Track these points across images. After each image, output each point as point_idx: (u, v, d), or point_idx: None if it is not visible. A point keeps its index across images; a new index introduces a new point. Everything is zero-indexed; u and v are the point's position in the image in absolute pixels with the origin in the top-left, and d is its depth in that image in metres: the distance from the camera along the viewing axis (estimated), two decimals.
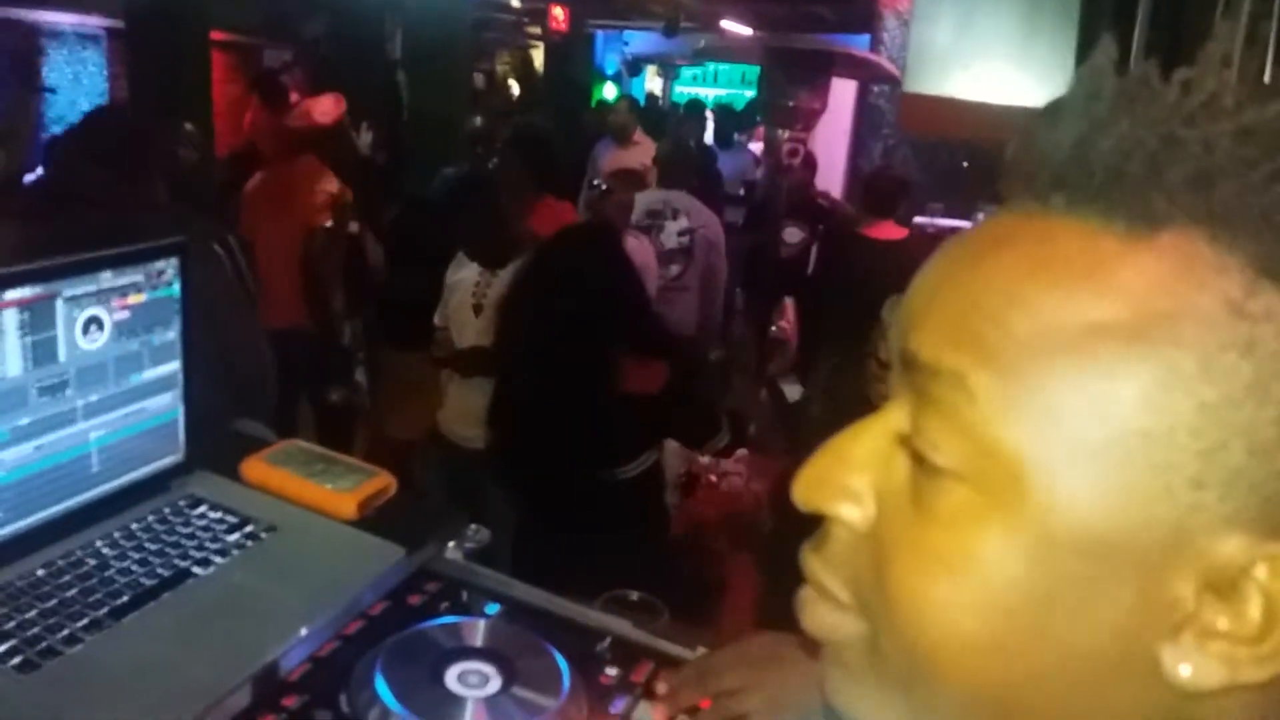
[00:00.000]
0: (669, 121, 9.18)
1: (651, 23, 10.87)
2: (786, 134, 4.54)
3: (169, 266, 1.19)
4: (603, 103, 10.33)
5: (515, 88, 12.82)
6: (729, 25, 10.16)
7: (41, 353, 1.06)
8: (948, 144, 5.61)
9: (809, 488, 0.45)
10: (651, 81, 14.18)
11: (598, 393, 2.33)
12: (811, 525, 0.46)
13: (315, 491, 1.27)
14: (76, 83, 9.10)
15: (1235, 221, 0.37)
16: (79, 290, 1.08)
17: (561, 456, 2.35)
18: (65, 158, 2.81)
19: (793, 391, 4.55)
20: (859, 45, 9.19)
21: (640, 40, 13.08)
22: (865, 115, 6.65)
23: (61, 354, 1.08)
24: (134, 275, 1.15)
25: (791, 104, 4.40)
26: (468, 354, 3.07)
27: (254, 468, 1.30)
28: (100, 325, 1.12)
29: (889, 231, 4.04)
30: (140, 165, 2.33)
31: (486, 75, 11.48)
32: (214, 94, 6.33)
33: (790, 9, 9.44)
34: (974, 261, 0.42)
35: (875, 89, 6.63)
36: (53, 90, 8.72)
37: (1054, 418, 0.38)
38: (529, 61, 13.17)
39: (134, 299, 1.15)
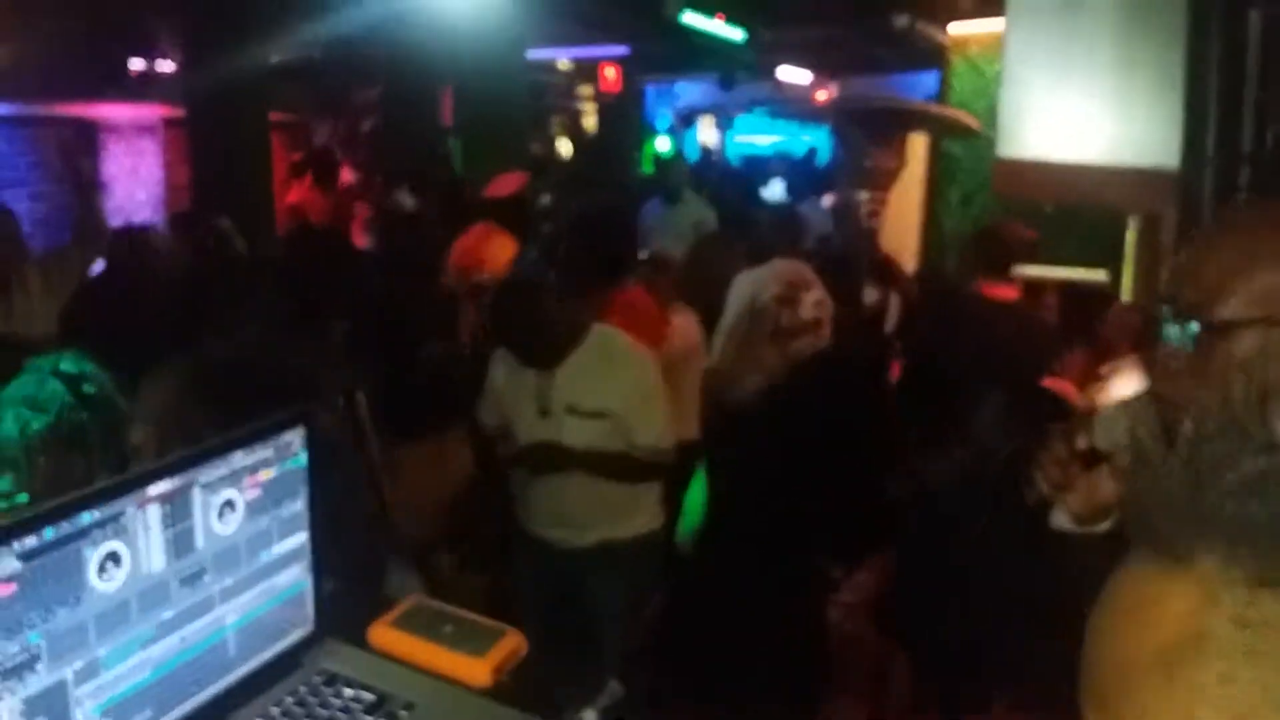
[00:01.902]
0: (728, 179, 9.21)
1: (704, 74, 10.88)
2: (865, 194, 4.47)
3: (296, 437, 1.16)
4: (657, 159, 10.33)
5: (566, 147, 12.89)
6: (787, 73, 10.13)
7: (181, 544, 1.02)
8: None
9: None
10: (705, 133, 14.14)
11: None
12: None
13: (447, 658, 1.22)
14: (134, 174, 9.32)
15: None
16: (214, 475, 1.05)
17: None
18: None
19: None
20: (926, 84, 9.13)
21: (692, 91, 13.08)
22: (939, 162, 6.53)
23: (199, 541, 1.05)
24: (264, 451, 1.12)
25: (868, 164, 4.32)
26: (543, 450, 2.98)
27: (382, 634, 1.26)
28: (233, 507, 1.08)
29: (1003, 290, 3.91)
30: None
31: (542, 142, 11.57)
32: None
33: (851, 53, 9.38)
34: None
35: None
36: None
37: None
38: (579, 122, 13.26)
39: (264, 475, 1.12)
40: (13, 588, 0.86)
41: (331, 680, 1.17)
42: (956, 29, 6.24)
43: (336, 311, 3.38)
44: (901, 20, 5.70)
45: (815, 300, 4.24)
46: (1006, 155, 3.24)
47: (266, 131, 5.95)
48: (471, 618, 1.30)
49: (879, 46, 8.68)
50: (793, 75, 10.62)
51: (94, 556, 0.93)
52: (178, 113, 8.79)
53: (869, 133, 4.27)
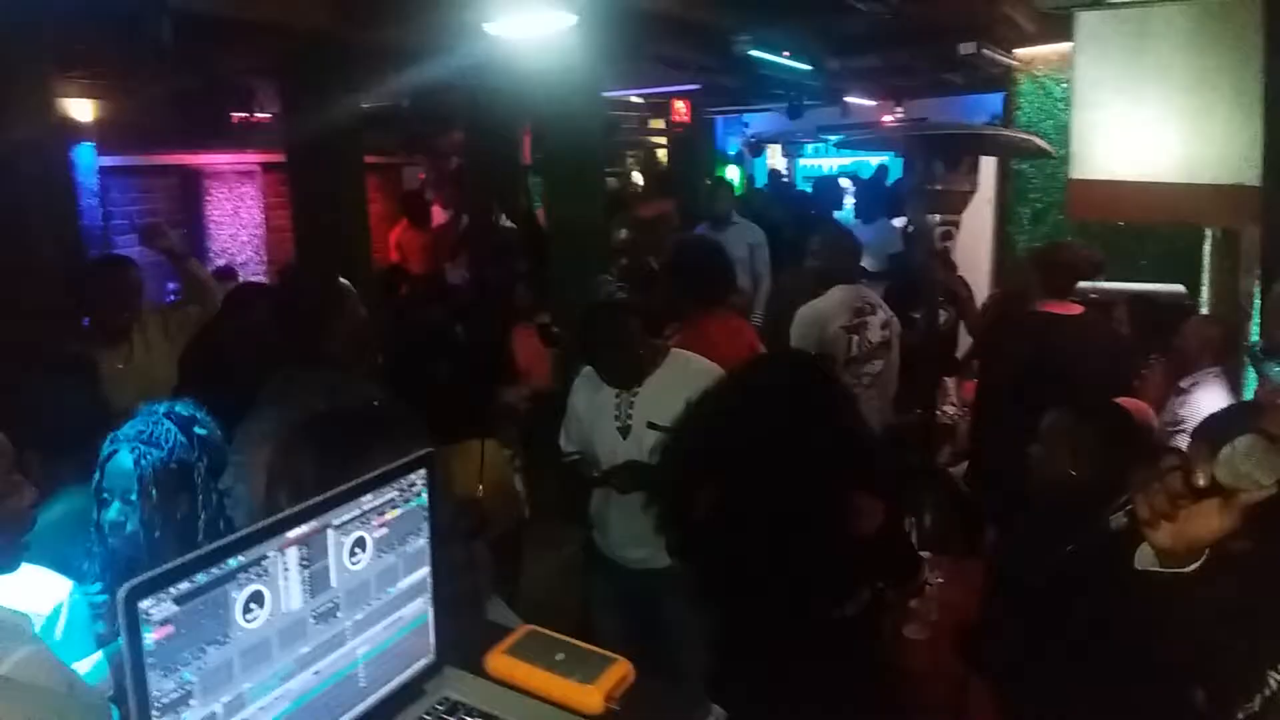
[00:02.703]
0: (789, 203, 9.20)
1: (772, 104, 10.94)
2: (937, 217, 4.47)
3: (419, 478, 1.23)
4: (706, 183, 10.39)
5: (639, 179, 13.05)
6: (853, 99, 10.15)
7: (317, 583, 1.10)
8: None
9: None
10: (775, 159, 14.23)
11: (826, 537, 2.22)
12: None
13: (560, 685, 1.27)
14: (235, 216, 9.75)
15: None
16: (346, 517, 1.13)
17: (782, 594, 2.26)
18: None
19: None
20: (991, 105, 9.06)
21: (761, 120, 13.18)
22: (1009, 181, 6.48)
23: (333, 580, 1.12)
24: (390, 493, 1.19)
25: (939, 188, 4.32)
26: (628, 467, 3.06)
27: (498, 662, 1.32)
28: (363, 546, 1.16)
29: (1066, 306, 3.91)
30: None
31: (618, 176, 11.75)
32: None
33: (916, 78, 9.37)
34: None
35: None
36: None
37: None
38: (653, 154, 13.43)
39: (390, 514, 1.20)
40: (170, 630, 0.94)
41: (454, 708, 1.24)
42: (1023, 52, 6.23)
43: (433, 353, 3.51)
44: (968, 47, 5.69)
45: (882, 323, 4.27)
46: (1080, 176, 3.23)
47: (361, 175, 6.20)
48: (582, 646, 1.35)
49: (944, 71, 8.66)
50: (859, 101, 10.64)
51: (240, 598, 1.01)
52: (275, 158, 9.20)
53: (939, 158, 4.27)
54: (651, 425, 3.01)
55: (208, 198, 9.51)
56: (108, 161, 8.35)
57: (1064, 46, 5.94)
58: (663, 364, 3.12)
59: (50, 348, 3.50)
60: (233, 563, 0.99)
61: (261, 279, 8.46)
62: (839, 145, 11.46)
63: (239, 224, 9.78)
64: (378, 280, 6.34)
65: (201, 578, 0.96)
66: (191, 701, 0.97)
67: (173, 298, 7.39)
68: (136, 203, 9.02)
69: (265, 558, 1.03)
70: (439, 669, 1.30)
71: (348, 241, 5.69)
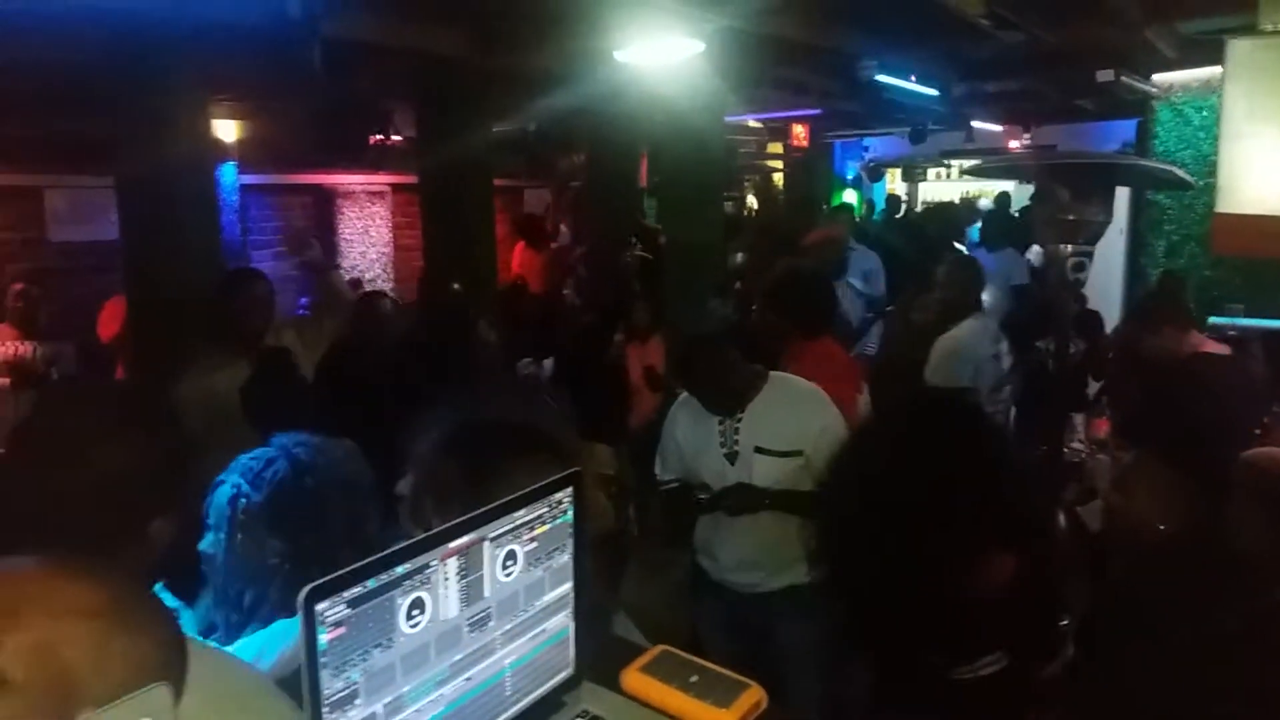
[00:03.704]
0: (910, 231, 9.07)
1: (893, 128, 10.84)
2: (1069, 248, 4.34)
3: (565, 496, 1.27)
4: (840, 207, 10.34)
5: (753, 202, 13.07)
6: (979, 124, 9.97)
7: (472, 592, 1.15)
8: None
9: None
10: (894, 184, 14.08)
11: (943, 589, 2.10)
12: None
13: (694, 707, 1.29)
14: (366, 235, 10.14)
15: None
16: (500, 530, 1.17)
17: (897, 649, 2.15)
18: None
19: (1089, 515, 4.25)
20: (1124, 132, 8.80)
21: (881, 144, 13.05)
22: (1144, 211, 6.29)
23: (487, 590, 1.17)
24: (540, 508, 1.23)
25: (1072, 218, 4.20)
26: (738, 491, 3.08)
27: (634, 680, 1.34)
28: (514, 559, 1.20)
29: (1201, 342, 3.77)
30: None
31: (735, 201, 11.80)
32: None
33: (1046, 103, 9.16)
34: None
35: None
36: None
37: None
38: (769, 179, 13.44)
39: (539, 530, 1.24)
40: (342, 631, 0.99)
41: None
42: (1161, 78, 6.04)
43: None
44: (1106, 74, 5.55)
45: (1006, 351, 4.18)
46: (1227, 210, 3.11)
47: (490, 197, 6.40)
48: (716, 669, 1.37)
49: (1076, 96, 8.45)
50: (984, 126, 10.45)
51: (404, 604, 1.06)
52: (404, 179, 9.57)
53: (1073, 186, 4.15)
54: (760, 450, 3.04)
55: (340, 216, 9.93)
56: (248, 179, 8.79)
57: (1205, 72, 5.75)
58: (763, 388, 3.14)
59: (199, 354, 3.69)
60: (400, 570, 1.04)
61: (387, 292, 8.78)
62: (967, 172, 11.25)
63: (368, 242, 10.17)
64: (499, 298, 6.51)
65: (372, 583, 1.01)
66: (357, 701, 1.02)
67: (303, 311, 7.72)
68: (273, 219, 9.48)
69: (428, 566, 1.08)
70: (578, 682, 1.34)
71: (474, 261, 5.87)
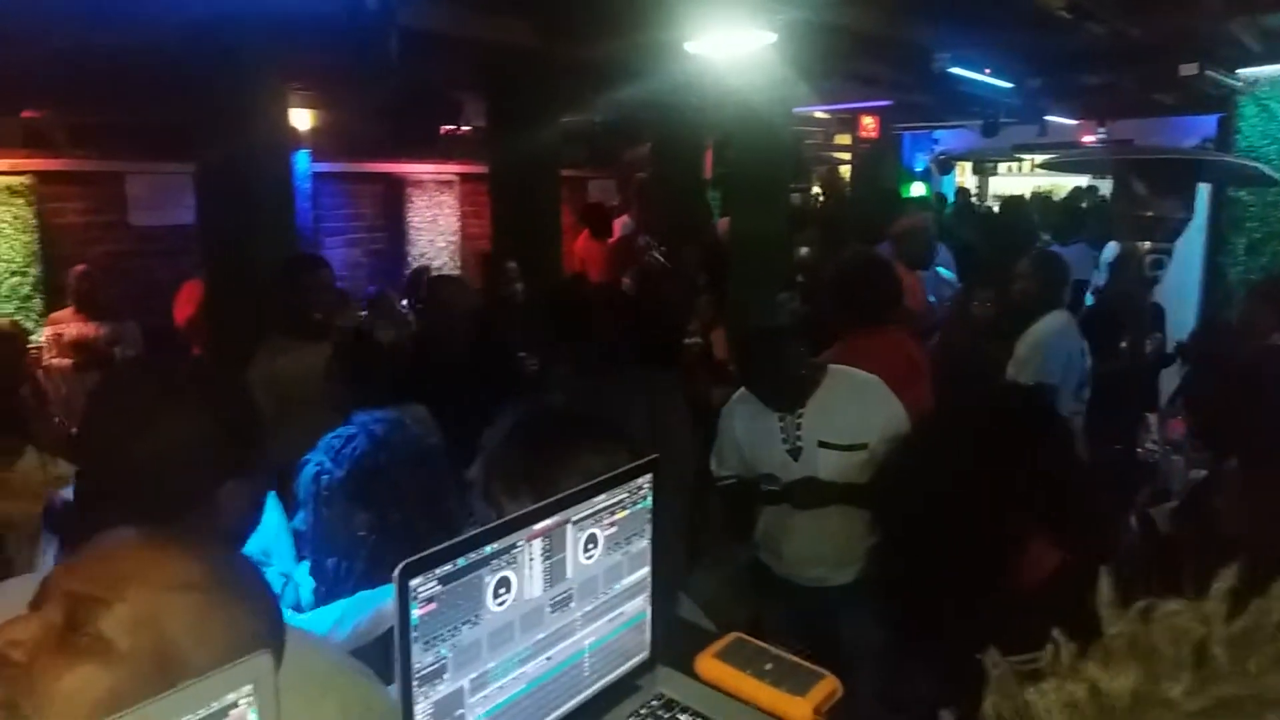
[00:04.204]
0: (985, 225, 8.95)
1: (964, 121, 10.67)
2: (1147, 244, 4.25)
3: (645, 482, 1.29)
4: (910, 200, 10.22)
5: (819, 193, 12.97)
6: (1053, 118, 9.77)
7: (555, 573, 1.17)
8: None
9: None
10: (964, 178, 13.87)
11: (982, 580, 2.09)
12: None
13: (770, 694, 1.29)
14: (434, 223, 10.27)
15: None
16: (583, 513, 1.19)
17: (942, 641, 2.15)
18: None
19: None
20: (1204, 127, 8.56)
21: (951, 137, 12.87)
22: (1224, 209, 6.12)
23: (569, 572, 1.19)
24: (620, 494, 1.25)
25: (1151, 214, 4.12)
26: (803, 485, 3.07)
27: (708, 665, 1.35)
28: (595, 542, 1.22)
29: None
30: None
31: (801, 192, 11.72)
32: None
33: (1123, 97, 8.95)
34: None
35: None
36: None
37: None
38: (835, 170, 13.33)
39: (620, 514, 1.25)
40: (433, 606, 1.02)
41: (669, 705, 1.28)
42: (1246, 72, 5.88)
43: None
44: (1190, 68, 5.41)
45: (1086, 349, 4.11)
46: None
47: (557, 187, 6.46)
48: (790, 658, 1.38)
49: (1155, 90, 8.25)
50: (1059, 120, 10.24)
51: (491, 582, 1.08)
52: (472, 169, 9.70)
53: (1153, 182, 4.07)
54: (824, 445, 3.02)
55: (409, 205, 10.08)
56: (320, 168, 8.95)
57: None
58: (824, 382, 3.11)
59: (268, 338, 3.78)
60: (488, 549, 1.07)
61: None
62: (1042, 166, 11.05)
63: (436, 231, 10.31)
64: (561, 288, 6.55)
65: (461, 561, 1.04)
66: (445, 675, 1.04)
67: (371, 293, 7.84)
68: (344, 207, 9.64)
69: (515, 546, 1.10)
70: (653, 666, 1.35)
71: (541, 250, 5.91)
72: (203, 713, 0.79)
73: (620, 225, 9.87)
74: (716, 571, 4.03)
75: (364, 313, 6.60)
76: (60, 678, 0.88)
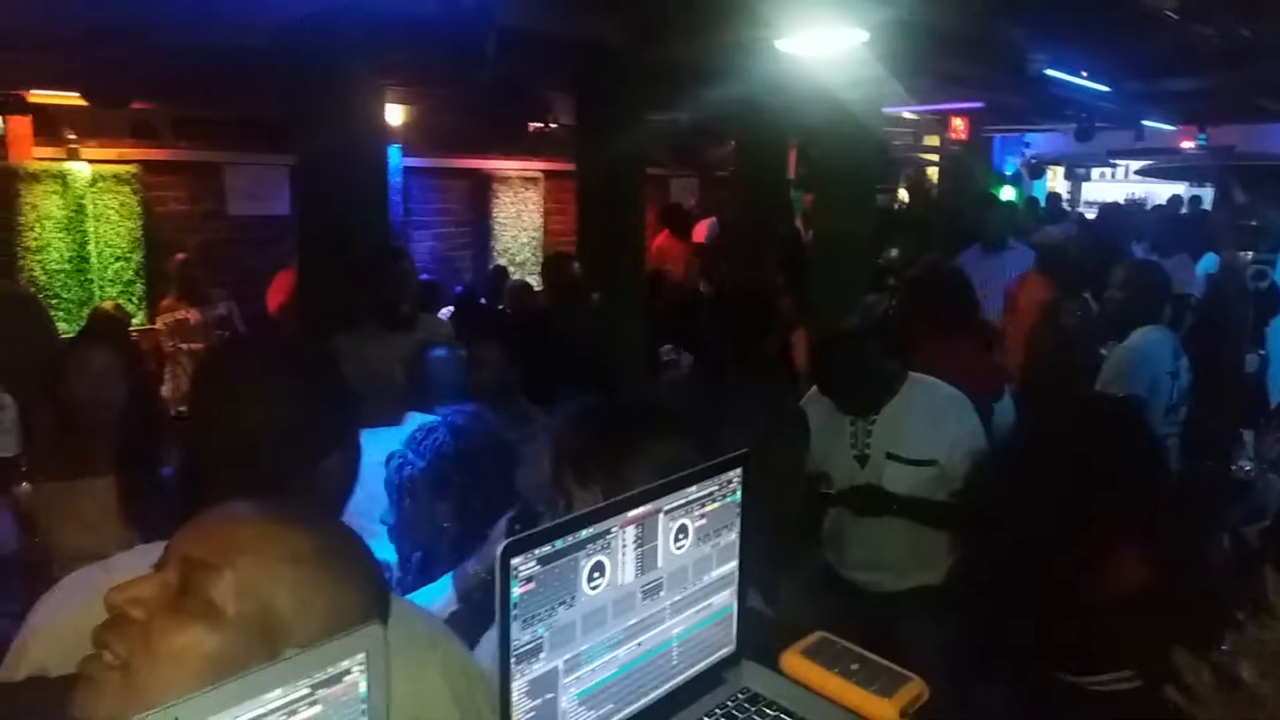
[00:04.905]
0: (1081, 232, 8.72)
1: (1056, 124, 10.44)
2: (1249, 254, 4.13)
3: (735, 476, 1.30)
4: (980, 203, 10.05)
5: (905, 195, 12.80)
6: (1150, 123, 9.51)
7: (647, 561, 1.19)
8: None
9: None
10: (1056, 183, 13.56)
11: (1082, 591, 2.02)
12: None
13: (856, 694, 1.30)
14: (518, 219, 10.40)
15: None
16: (675, 503, 1.21)
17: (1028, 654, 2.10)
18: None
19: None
20: None
21: (1043, 141, 12.60)
22: None
23: (660, 560, 1.21)
24: (710, 486, 1.26)
25: (1255, 223, 3.99)
26: (865, 492, 3.04)
27: (794, 662, 1.36)
28: (686, 533, 1.24)
29: None
30: None
31: (888, 194, 11.60)
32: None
33: (1225, 102, 8.66)
34: None
35: None
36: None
37: None
38: (922, 172, 13.15)
39: (710, 507, 1.27)
40: (532, 586, 1.05)
41: (754, 699, 1.29)
42: None
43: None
44: None
45: (1186, 367, 3.98)
46: None
47: (642, 185, 6.51)
48: (876, 659, 1.38)
49: (1261, 96, 7.96)
50: (1156, 125, 9.96)
51: (586, 566, 1.11)
52: (557, 166, 9.81)
53: (1257, 191, 3.94)
54: (892, 457, 2.97)
55: (495, 201, 10.22)
56: (410, 162, 9.14)
57: None
58: (900, 390, 3.06)
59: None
60: (584, 534, 1.09)
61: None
62: (1140, 171, 10.75)
63: (520, 227, 10.44)
64: (642, 285, 6.59)
65: (559, 543, 1.06)
66: (541, 654, 1.07)
67: (460, 290, 7.97)
68: (432, 202, 9.82)
69: (609, 532, 1.12)
70: (738, 660, 1.37)
71: (625, 248, 5.95)
72: (319, 677, 0.83)
73: (704, 227, 9.90)
74: (789, 570, 4.02)
75: (450, 308, 6.74)
76: (171, 637, 0.93)
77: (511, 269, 9.90)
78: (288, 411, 1.45)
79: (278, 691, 0.80)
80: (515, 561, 1.02)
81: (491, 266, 9.73)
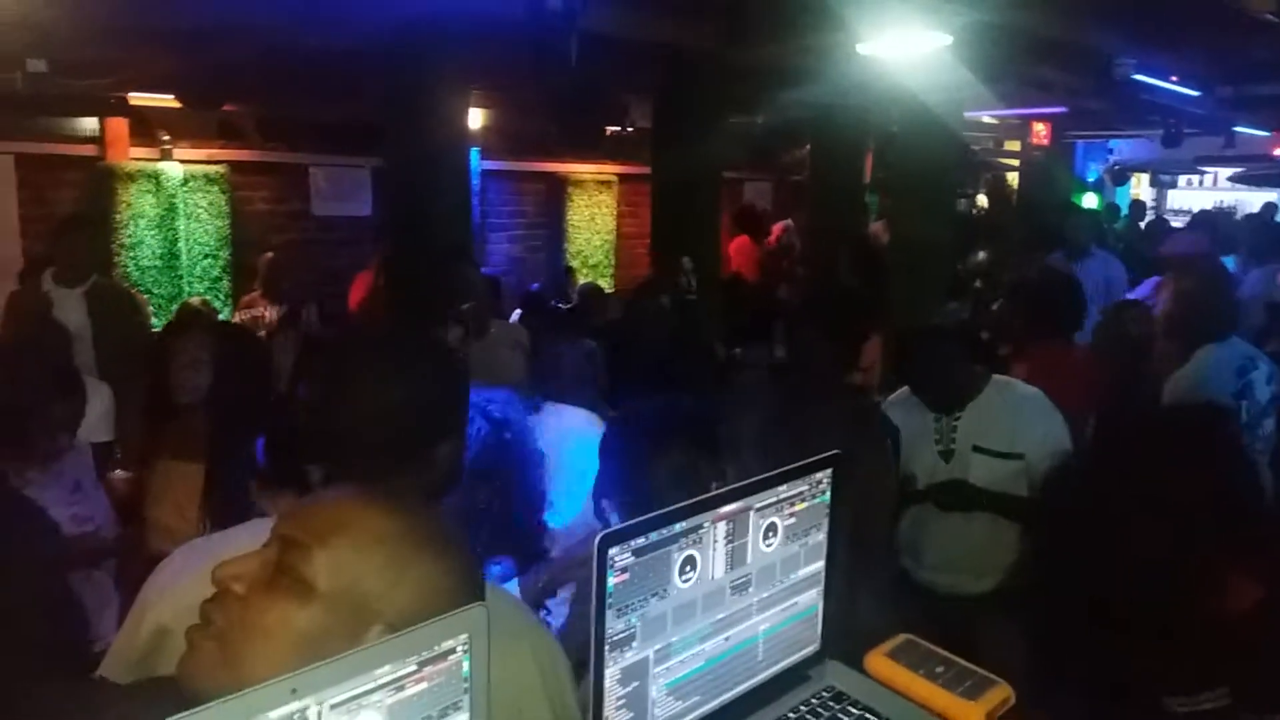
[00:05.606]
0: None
1: (1142, 130, 10.19)
2: None
3: (825, 477, 1.31)
4: (1064, 210, 9.84)
5: (984, 201, 12.60)
6: (1241, 129, 9.23)
7: (737, 557, 1.21)
8: None
9: None
10: (1140, 190, 13.23)
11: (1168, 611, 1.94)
12: None
13: (942, 696, 1.30)
14: (592, 222, 10.47)
15: None
16: (765, 501, 1.23)
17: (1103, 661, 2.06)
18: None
19: None
20: None
21: (1128, 147, 12.30)
22: None
23: (749, 557, 1.22)
24: (800, 486, 1.28)
25: None
26: (952, 487, 3.03)
27: (879, 663, 1.37)
28: (775, 531, 1.25)
29: None
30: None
31: (967, 199, 11.43)
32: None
33: None
34: None
35: None
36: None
37: None
38: (1002, 177, 12.93)
39: (799, 506, 1.28)
40: (626, 576, 1.07)
41: (839, 698, 1.30)
42: None
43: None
44: None
45: (1267, 377, 3.86)
46: None
47: (718, 189, 6.53)
48: (961, 662, 1.37)
49: None
50: (1247, 131, 9.67)
51: (678, 559, 1.13)
52: (632, 169, 9.87)
53: None
54: (979, 450, 2.99)
55: (569, 204, 10.30)
56: (488, 165, 9.27)
57: None
58: (985, 389, 3.08)
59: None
60: (677, 527, 1.11)
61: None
62: (1232, 179, 10.45)
63: (593, 229, 10.51)
64: (719, 289, 6.60)
65: (653, 536, 1.09)
66: (633, 643, 1.10)
67: (535, 289, 8.05)
68: (509, 204, 9.95)
69: (701, 527, 1.14)
70: (822, 659, 1.37)
71: (701, 251, 5.97)
72: (426, 655, 0.87)
73: (779, 231, 9.86)
74: (865, 576, 3.99)
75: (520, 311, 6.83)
76: (265, 612, 0.98)
77: (584, 271, 9.98)
78: (410, 399, 1.48)
79: (387, 667, 0.84)
80: (612, 552, 1.04)
81: (561, 267, 9.83)
